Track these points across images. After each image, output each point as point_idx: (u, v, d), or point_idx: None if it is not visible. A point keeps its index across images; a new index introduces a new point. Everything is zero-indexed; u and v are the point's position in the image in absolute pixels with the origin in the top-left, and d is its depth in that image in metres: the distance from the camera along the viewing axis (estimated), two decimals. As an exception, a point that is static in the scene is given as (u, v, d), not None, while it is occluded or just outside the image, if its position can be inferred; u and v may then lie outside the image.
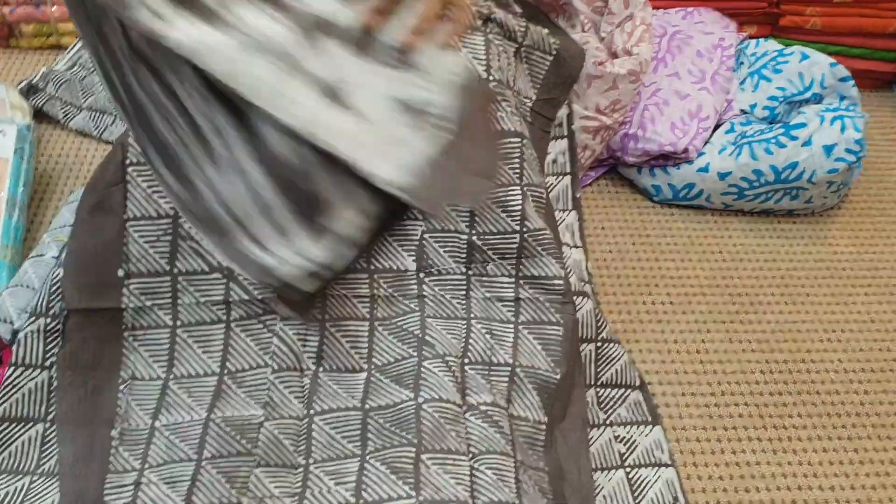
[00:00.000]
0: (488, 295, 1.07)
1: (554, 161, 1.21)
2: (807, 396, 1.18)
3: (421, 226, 1.05)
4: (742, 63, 1.52)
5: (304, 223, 0.87)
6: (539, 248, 1.05)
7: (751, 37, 1.60)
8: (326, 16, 0.83)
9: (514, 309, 1.06)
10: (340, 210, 0.87)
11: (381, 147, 0.86)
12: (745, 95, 1.47)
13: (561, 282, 1.05)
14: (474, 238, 1.05)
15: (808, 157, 1.33)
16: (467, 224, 1.05)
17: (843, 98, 1.41)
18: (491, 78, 1.04)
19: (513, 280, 1.06)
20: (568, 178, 1.18)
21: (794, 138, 1.34)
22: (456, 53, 0.94)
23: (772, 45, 1.50)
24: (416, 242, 1.05)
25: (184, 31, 0.78)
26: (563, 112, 1.23)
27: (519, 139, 1.06)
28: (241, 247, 0.87)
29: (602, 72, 1.29)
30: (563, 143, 1.23)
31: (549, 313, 1.05)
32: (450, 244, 1.06)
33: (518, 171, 1.07)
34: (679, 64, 1.45)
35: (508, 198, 1.05)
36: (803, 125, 1.35)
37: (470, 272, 1.06)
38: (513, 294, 1.06)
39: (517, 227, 1.05)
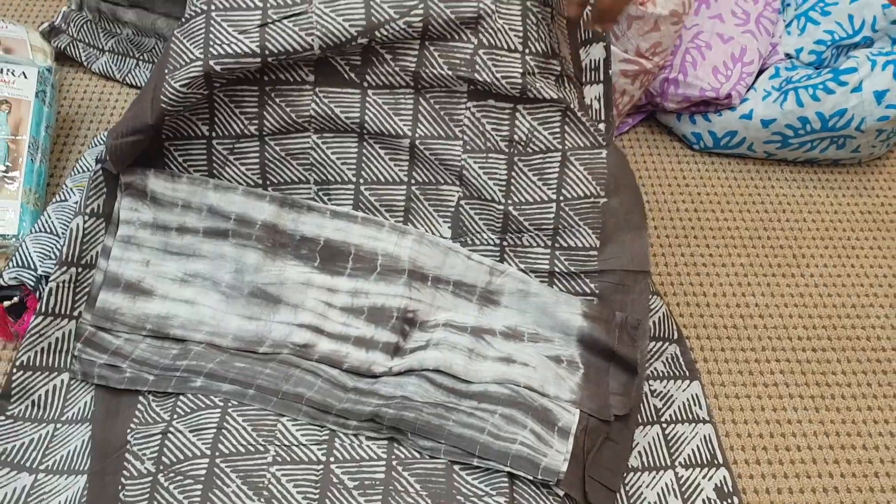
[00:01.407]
0: (522, 266, 1.04)
1: (588, 107, 1.16)
2: (851, 353, 1.14)
3: (458, 192, 1.03)
4: (788, 4, 1.45)
5: None
6: (577, 219, 1.02)
7: (798, -23, 1.53)
8: None
9: (547, 282, 1.03)
10: None
11: None
12: (791, 39, 1.40)
13: (596, 253, 1.02)
14: (510, 208, 1.02)
15: (858, 104, 1.27)
16: (504, 193, 1.02)
17: (895, 42, 1.34)
18: (528, 50, 1.00)
19: (548, 251, 1.03)
20: (602, 126, 1.14)
21: (843, 84, 1.27)
22: None
23: (821, -14, 1.43)
24: (452, 209, 1.03)
25: None
26: (599, 54, 1.18)
27: (559, 105, 1.02)
28: None
29: (643, 12, 1.23)
30: (598, 89, 1.17)
31: (584, 285, 1.02)
32: (485, 213, 1.03)
33: (559, 135, 1.03)
34: (722, 5, 1.38)
35: (545, 165, 1.02)
36: (853, 70, 1.28)
37: (504, 243, 1.04)
38: (548, 267, 1.03)
39: (553, 196, 1.02)
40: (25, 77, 1.22)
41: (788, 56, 1.40)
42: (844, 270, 1.24)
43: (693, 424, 1.03)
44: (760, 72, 1.38)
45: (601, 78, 1.16)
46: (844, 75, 1.28)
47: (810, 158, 1.37)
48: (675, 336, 1.10)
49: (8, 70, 1.21)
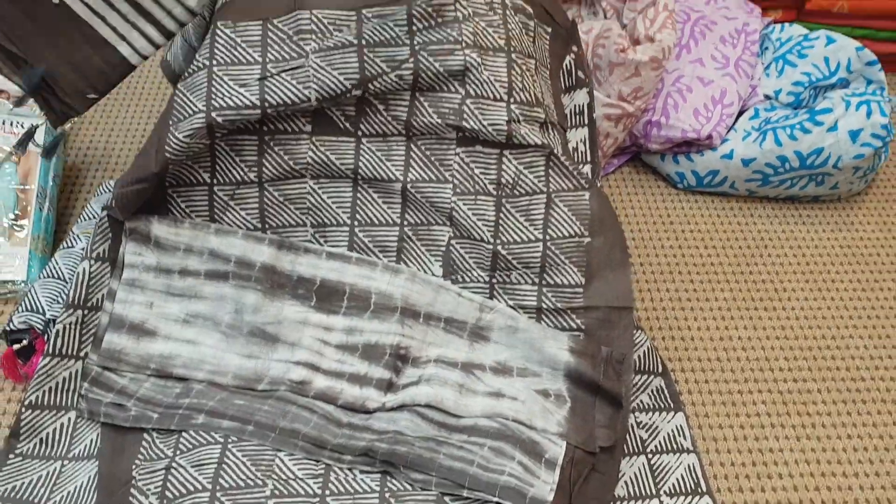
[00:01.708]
0: (511, 303, 1.08)
1: (574, 149, 1.21)
2: (831, 383, 1.18)
3: (449, 232, 1.07)
4: (767, 48, 1.51)
5: None
6: (562, 257, 1.07)
7: (775, 21, 1.59)
8: None
9: (535, 318, 1.08)
10: None
11: None
12: (769, 81, 1.46)
13: (581, 290, 1.06)
14: (499, 248, 1.07)
15: (834, 143, 1.32)
16: (492, 233, 1.07)
17: (869, 82, 1.39)
18: (513, 99, 1.05)
19: (535, 288, 1.08)
20: (588, 167, 1.19)
21: (819, 123, 1.33)
22: None
23: (797, 30, 1.48)
24: (444, 248, 1.08)
25: None
26: (583, 100, 1.23)
27: (543, 150, 1.07)
28: None
29: (624, 59, 1.29)
30: (583, 132, 1.23)
31: (571, 320, 1.07)
32: (475, 252, 1.08)
33: (544, 178, 1.08)
34: (702, 50, 1.44)
35: (532, 206, 1.07)
36: (828, 110, 1.34)
37: (494, 280, 1.08)
38: (535, 303, 1.08)
39: (539, 236, 1.07)
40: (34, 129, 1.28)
41: (768, 97, 1.45)
42: (825, 303, 1.28)
43: (678, 454, 1.07)
44: (740, 113, 1.43)
45: (586, 121, 1.21)
46: (820, 115, 1.34)
47: (791, 195, 1.42)
48: (660, 369, 1.14)
49: (17, 122, 1.27)
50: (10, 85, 1.36)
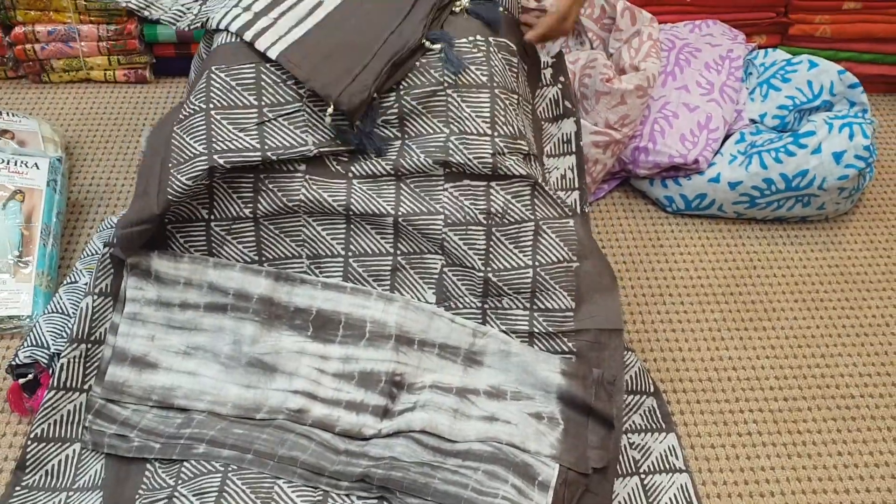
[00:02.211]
0: (503, 328, 1.11)
1: (563, 176, 1.24)
2: (821, 401, 1.20)
3: (441, 260, 1.10)
4: (751, 73, 1.54)
5: None
6: (552, 282, 1.10)
7: (760, 47, 1.62)
8: None
9: (527, 341, 1.11)
10: None
11: None
12: (754, 105, 1.49)
13: (572, 314, 1.09)
14: (490, 275, 1.10)
15: (818, 165, 1.35)
16: (483, 261, 1.10)
17: (853, 104, 1.43)
18: (497, 133, 1.09)
19: (527, 313, 1.11)
20: (576, 193, 1.22)
21: (803, 146, 1.36)
22: None
23: (780, 55, 1.52)
24: (436, 276, 1.11)
25: None
26: (570, 129, 1.27)
27: (529, 180, 1.11)
28: None
29: (610, 88, 1.33)
30: (570, 160, 1.26)
31: (562, 344, 1.09)
32: (467, 279, 1.11)
33: (530, 206, 1.11)
34: (688, 76, 1.48)
35: (520, 234, 1.10)
36: (812, 133, 1.37)
37: (486, 306, 1.11)
38: (527, 327, 1.10)
39: (529, 262, 1.10)
40: (38, 168, 1.31)
41: (753, 121, 1.49)
42: (814, 322, 1.31)
43: (670, 474, 1.09)
44: (726, 137, 1.46)
45: (573, 149, 1.25)
46: (804, 138, 1.37)
47: (779, 217, 1.45)
48: (652, 389, 1.16)
49: (21, 162, 1.30)
50: (15, 125, 1.40)
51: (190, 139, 1.04)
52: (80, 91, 1.64)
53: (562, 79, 1.28)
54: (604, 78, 1.32)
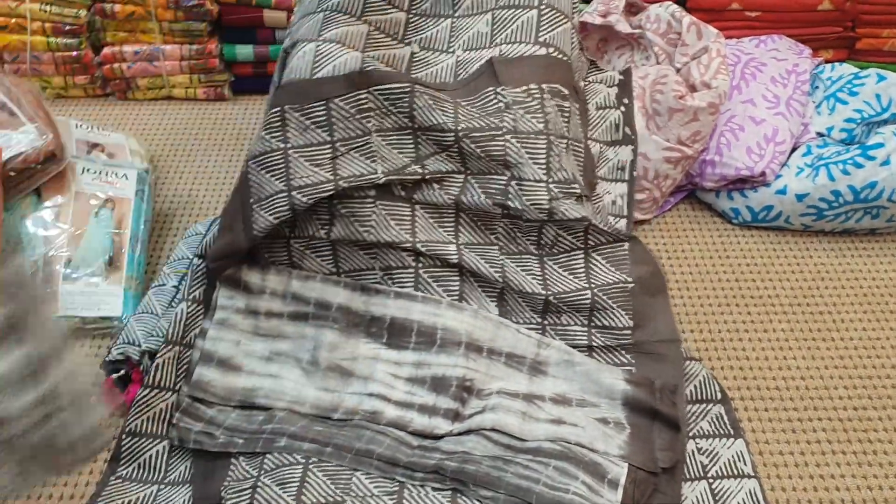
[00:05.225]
0: (563, 342, 1.16)
1: (613, 202, 1.29)
2: (892, 411, 1.20)
3: (501, 284, 1.17)
4: (818, 87, 1.55)
5: None
6: (610, 302, 1.14)
7: (827, 61, 1.63)
8: None
9: (587, 354, 1.16)
10: None
11: None
12: (821, 119, 1.50)
13: (630, 332, 1.13)
14: (550, 297, 1.15)
15: (888, 176, 1.35)
16: (542, 285, 1.16)
17: (922, 117, 1.43)
18: (552, 179, 1.14)
19: (585, 329, 1.15)
20: (623, 221, 1.27)
21: (871, 158, 1.36)
22: None
23: (847, 69, 1.53)
24: (498, 291, 1.19)
25: None
26: (627, 157, 1.31)
27: (582, 223, 1.17)
28: None
29: (683, 105, 1.35)
30: (622, 187, 1.31)
31: (621, 356, 1.14)
32: (527, 300, 1.18)
33: (582, 238, 1.18)
34: (754, 90, 1.49)
35: (571, 262, 1.18)
36: (881, 145, 1.37)
37: (546, 322, 1.15)
38: (586, 342, 1.14)
39: (586, 284, 1.14)
40: (126, 178, 1.39)
41: (820, 135, 1.49)
42: (883, 333, 1.30)
43: (739, 479, 1.10)
44: (793, 150, 1.47)
45: (626, 177, 1.30)
46: (873, 150, 1.37)
47: (847, 229, 1.45)
48: (719, 397, 1.18)
49: (112, 172, 1.38)
50: (105, 139, 1.49)
51: (268, 175, 1.11)
52: (163, 108, 1.72)
53: (626, 101, 1.32)
54: (677, 95, 1.35)
